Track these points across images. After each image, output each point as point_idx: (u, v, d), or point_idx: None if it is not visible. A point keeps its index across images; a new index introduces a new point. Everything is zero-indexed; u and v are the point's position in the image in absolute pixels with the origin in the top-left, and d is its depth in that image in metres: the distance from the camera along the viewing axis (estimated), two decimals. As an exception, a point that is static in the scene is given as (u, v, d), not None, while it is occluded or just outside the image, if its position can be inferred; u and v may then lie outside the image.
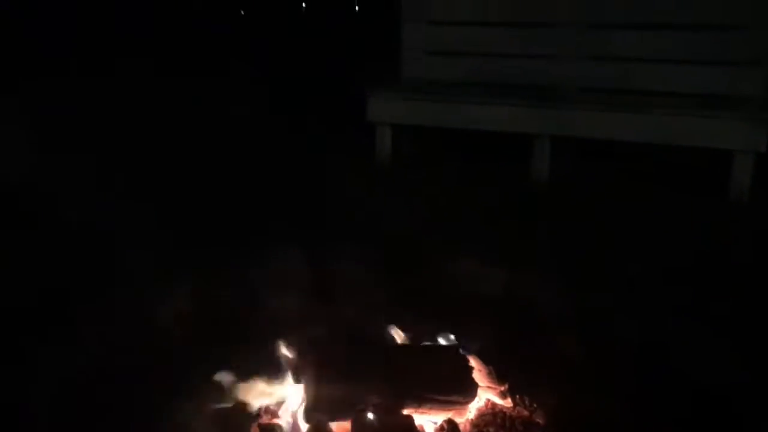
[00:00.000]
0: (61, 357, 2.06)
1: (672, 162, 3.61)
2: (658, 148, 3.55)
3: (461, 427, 1.76)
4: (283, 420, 1.77)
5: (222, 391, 1.84)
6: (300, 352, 1.90)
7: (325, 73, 5.78)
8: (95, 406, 1.84)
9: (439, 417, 1.78)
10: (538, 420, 1.82)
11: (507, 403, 1.87)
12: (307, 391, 1.76)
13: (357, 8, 9.81)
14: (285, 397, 1.82)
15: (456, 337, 2.06)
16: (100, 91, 5.16)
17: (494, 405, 1.87)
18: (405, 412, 1.74)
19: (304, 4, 9.88)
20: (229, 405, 1.80)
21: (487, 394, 1.88)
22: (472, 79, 4.14)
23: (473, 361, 1.93)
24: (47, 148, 3.83)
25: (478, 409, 1.84)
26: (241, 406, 1.79)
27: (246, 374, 1.85)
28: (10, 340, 2.18)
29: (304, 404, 1.75)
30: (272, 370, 1.86)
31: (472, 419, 1.81)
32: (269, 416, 1.80)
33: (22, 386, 1.94)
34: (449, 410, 1.78)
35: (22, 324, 2.28)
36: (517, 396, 1.88)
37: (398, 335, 2.07)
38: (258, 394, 1.83)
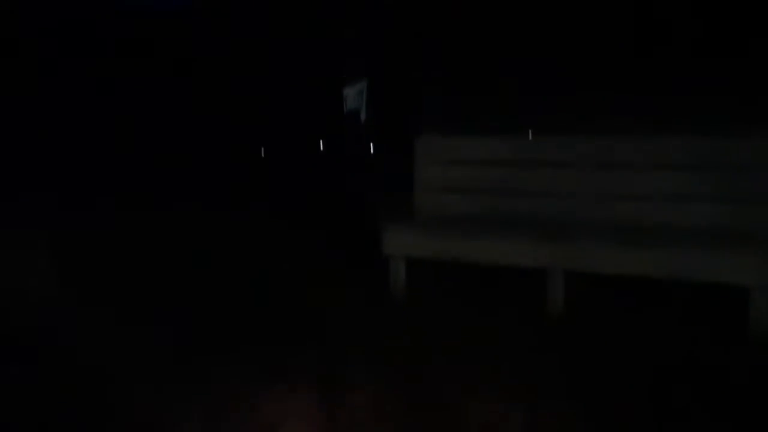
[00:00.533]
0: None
1: (691, 286, 3.55)
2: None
3: None
4: None
5: None
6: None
7: (342, 207, 5.96)
8: None
9: None
10: None
11: None
12: None
13: (372, 149, 10.23)
14: None
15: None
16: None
17: None
18: None
19: (321, 144, 10.33)
20: None
21: None
22: (483, 214, 4.27)
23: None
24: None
25: None
26: None
27: None
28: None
29: None
30: None
31: None
32: None
33: None
34: None
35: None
36: None
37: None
38: None
